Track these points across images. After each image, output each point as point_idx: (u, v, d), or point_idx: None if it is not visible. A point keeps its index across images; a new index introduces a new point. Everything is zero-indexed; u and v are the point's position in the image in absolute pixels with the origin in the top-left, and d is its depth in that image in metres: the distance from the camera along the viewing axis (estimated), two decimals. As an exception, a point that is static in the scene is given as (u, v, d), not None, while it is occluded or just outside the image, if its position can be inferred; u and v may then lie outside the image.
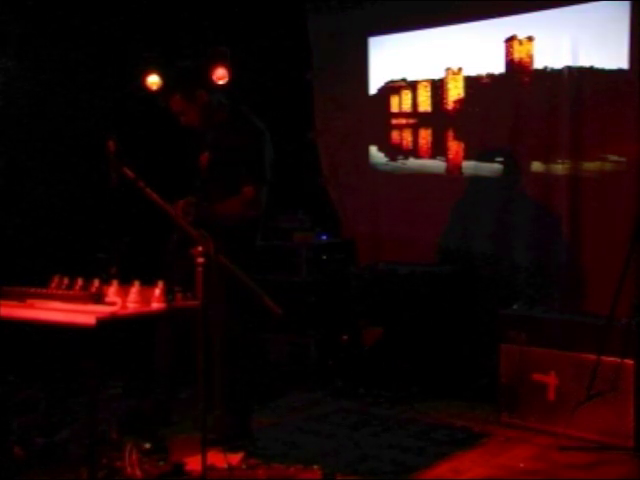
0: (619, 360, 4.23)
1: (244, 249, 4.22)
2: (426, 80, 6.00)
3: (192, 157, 4.50)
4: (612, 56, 5.05)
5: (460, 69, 5.81)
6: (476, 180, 5.77)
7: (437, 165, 5.99)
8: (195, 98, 4.35)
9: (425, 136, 6.06)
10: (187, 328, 3.66)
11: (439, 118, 5.96)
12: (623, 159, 5.10)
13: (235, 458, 3.97)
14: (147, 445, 3.96)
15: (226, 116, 4.43)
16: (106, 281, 3.51)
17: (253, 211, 4.34)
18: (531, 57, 5.45)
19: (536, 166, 5.49)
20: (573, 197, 5.30)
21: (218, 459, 3.78)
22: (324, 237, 6.11)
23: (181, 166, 4.75)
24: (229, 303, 4.16)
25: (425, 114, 6.03)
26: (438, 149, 5.98)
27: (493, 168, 5.69)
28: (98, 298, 3.37)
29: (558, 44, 5.29)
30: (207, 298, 3.33)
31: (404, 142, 6.18)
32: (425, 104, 6.02)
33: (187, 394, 4.81)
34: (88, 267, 3.71)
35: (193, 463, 3.74)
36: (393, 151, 6.24)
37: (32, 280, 3.63)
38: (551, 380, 4.51)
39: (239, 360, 4.31)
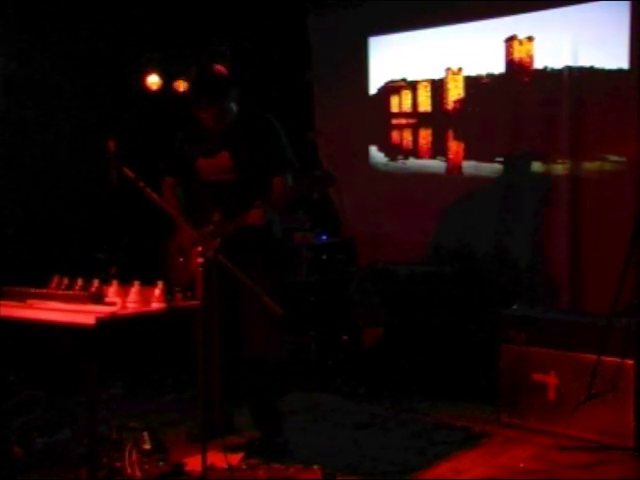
0: (619, 360, 4.22)
1: (277, 245, 4.24)
2: (426, 80, 6.00)
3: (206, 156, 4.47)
4: (612, 56, 5.05)
5: (460, 69, 5.81)
6: (476, 180, 5.77)
7: (437, 165, 5.99)
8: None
9: (425, 136, 6.06)
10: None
11: (439, 118, 5.96)
12: (623, 159, 5.10)
13: (235, 458, 3.96)
14: (147, 445, 3.95)
15: (237, 113, 4.38)
16: (106, 281, 3.51)
17: (290, 197, 4.13)
18: (531, 57, 5.45)
19: (536, 166, 5.50)
20: (573, 197, 5.31)
21: (218, 459, 3.77)
22: (324, 237, 6.11)
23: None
24: (230, 303, 4.15)
25: (425, 114, 6.03)
26: (438, 149, 5.98)
27: (493, 168, 5.69)
28: (98, 298, 3.37)
29: (558, 44, 5.29)
30: (207, 298, 3.33)
31: (404, 142, 6.18)
32: (425, 104, 6.02)
33: (189, 394, 4.82)
34: (88, 267, 3.72)
35: (193, 463, 3.74)
36: (393, 151, 6.24)
37: (32, 280, 3.63)
38: (551, 380, 4.50)
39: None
